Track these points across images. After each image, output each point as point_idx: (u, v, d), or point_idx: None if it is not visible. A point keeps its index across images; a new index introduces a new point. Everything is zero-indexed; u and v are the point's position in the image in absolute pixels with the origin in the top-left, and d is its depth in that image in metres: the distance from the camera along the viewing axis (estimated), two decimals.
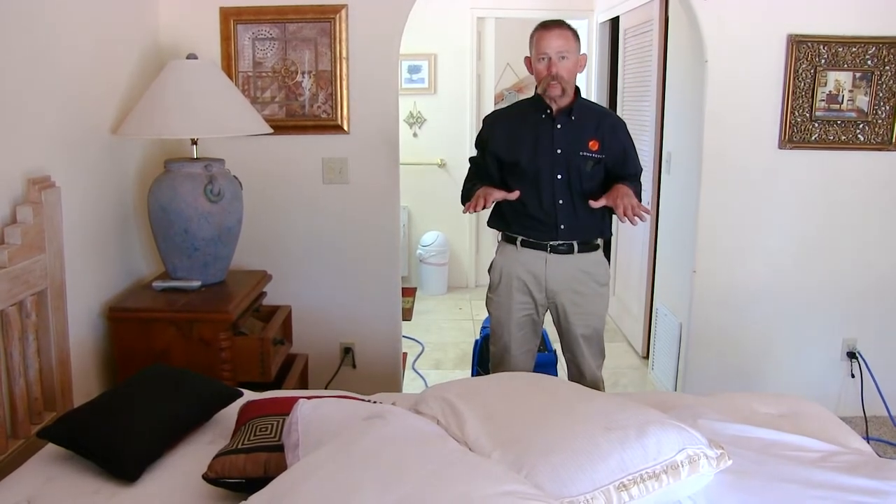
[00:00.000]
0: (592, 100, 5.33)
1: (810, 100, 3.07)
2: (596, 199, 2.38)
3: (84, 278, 2.43)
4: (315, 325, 3.19)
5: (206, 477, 1.62)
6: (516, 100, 9.31)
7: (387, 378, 3.27)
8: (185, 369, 2.17)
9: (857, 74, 3.06)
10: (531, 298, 2.59)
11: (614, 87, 5.01)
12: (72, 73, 2.36)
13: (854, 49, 3.04)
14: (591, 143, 2.47)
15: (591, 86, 5.38)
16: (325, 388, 3.10)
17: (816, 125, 3.10)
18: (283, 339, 2.82)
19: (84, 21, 2.43)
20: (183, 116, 2.49)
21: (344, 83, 3.03)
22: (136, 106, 2.56)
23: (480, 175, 2.61)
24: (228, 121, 2.58)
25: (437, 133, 5.47)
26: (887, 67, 3.05)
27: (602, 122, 2.53)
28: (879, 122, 3.11)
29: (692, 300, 3.28)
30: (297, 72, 3.04)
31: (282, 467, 1.53)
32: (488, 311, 2.69)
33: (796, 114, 3.09)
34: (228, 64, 3.01)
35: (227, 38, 3.00)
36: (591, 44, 5.33)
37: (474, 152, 2.69)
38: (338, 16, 2.98)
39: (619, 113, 4.78)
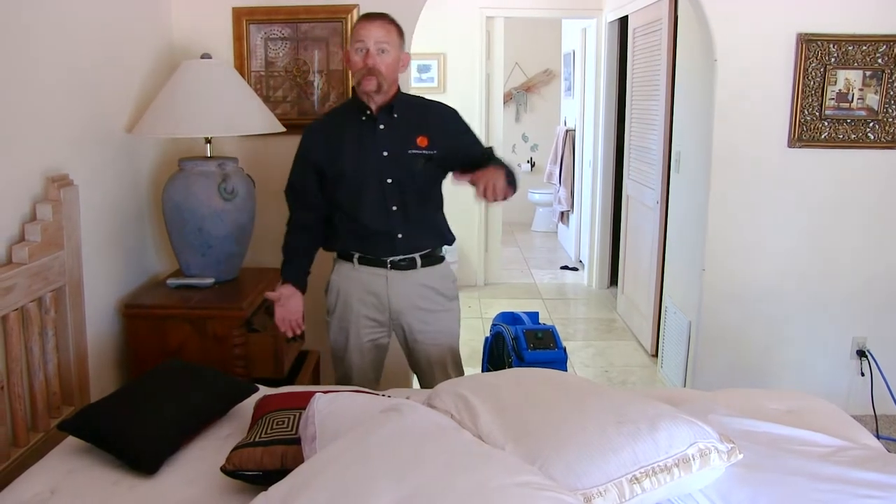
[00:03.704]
0: (601, 102, 5.36)
1: (820, 98, 3.08)
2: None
3: (100, 275, 2.46)
4: (326, 322, 3.20)
5: (224, 469, 1.65)
6: (524, 99, 9.22)
7: (398, 375, 3.29)
8: (200, 365, 2.20)
9: (868, 73, 3.07)
10: (374, 321, 2.40)
11: (623, 87, 5.02)
12: (88, 74, 2.39)
13: (864, 47, 3.04)
14: (419, 140, 2.27)
15: (599, 85, 5.39)
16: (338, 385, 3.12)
17: (826, 124, 3.11)
18: (296, 336, 2.84)
19: (99, 23, 2.46)
20: (197, 115, 2.52)
21: None
22: (150, 105, 2.60)
23: (300, 208, 2.39)
24: (242, 120, 2.61)
25: None
26: None
27: (428, 114, 2.34)
28: (890, 120, 3.11)
29: (701, 298, 3.29)
30: (309, 71, 3.06)
31: (299, 460, 1.55)
32: (329, 336, 2.48)
33: (806, 112, 3.10)
34: (241, 63, 3.04)
35: (239, 38, 3.03)
36: (600, 43, 5.35)
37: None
38: (349, 16, 3.00)
39: (627, 112, 4.79)
